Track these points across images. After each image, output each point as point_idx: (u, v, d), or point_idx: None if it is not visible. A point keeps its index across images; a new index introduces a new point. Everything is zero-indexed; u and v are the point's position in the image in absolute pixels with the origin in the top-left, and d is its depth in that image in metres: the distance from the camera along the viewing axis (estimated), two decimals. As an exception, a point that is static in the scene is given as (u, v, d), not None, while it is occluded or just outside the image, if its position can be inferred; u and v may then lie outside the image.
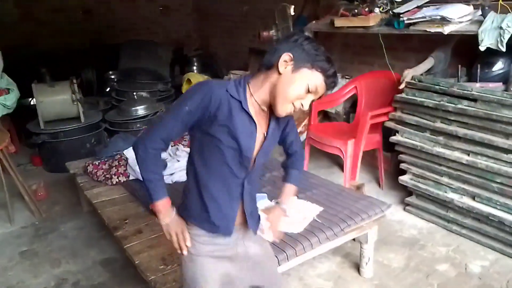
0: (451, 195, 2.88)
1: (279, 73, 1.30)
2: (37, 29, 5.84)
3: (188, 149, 1.62)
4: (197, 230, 1.45)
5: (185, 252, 1.45)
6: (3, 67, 3.92)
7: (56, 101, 4.22)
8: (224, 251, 1.47)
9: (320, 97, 1.36)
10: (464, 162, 2.74)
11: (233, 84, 1.35)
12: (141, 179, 2.65)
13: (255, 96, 1.36)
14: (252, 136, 1.36)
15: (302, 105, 1.32)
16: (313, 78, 1.30)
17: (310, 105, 1.53)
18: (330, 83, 1.33)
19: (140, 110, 4.56)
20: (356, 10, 3.52)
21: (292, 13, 3.99)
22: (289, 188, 1.65)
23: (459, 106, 2.72)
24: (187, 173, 1.48)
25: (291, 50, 1.29)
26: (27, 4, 5.72)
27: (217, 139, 1.33)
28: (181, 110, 1.32)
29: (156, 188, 1.43)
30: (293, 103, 1.32)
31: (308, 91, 1.31)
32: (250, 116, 1.34)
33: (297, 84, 1.29)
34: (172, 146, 3.16)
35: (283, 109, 1.32)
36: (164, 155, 1.45)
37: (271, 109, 1.38)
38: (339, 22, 3.57)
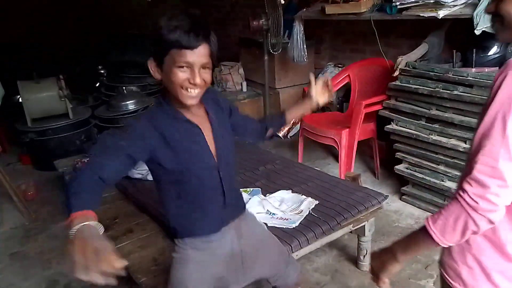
0: (448, 184, 2.82)
1: (161, 79, 1.27)
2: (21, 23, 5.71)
3: None
4: (189, 239, 1.39)
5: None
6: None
7: (43, 98, 4.11)
8: (218, 252, 1.41)
9: (211, 62, 1.26)
10: (461, 149, 2.69)
11: (155, 107, 1.33)
12: (133, 176, 2.66)
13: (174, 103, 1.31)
14: (199, 142, 1.32)
15: (192, 82, 1.23)
16: (175, 58, 1.20)
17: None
18: (188, 41, 1.19)
19: (130, 105, 4.45)
20: (347, -4, 3.44)
21: (282, 1, 3.91)
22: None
23: (455, 92, 2.66)
24: (160, 199, 1.41)
25: (151, 54, 1.26)
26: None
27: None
28: (120, 144, 1.26)
29: (82, 198, 1.08)
30: (183, 87, 1.23)
31: (183, 68, 1.21)
32: (187, 121, 1.30)
33: (170, 73, 1.22)
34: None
35: (183, 98, 1.25)
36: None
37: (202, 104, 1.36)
38: (330, 9, 3.49)
